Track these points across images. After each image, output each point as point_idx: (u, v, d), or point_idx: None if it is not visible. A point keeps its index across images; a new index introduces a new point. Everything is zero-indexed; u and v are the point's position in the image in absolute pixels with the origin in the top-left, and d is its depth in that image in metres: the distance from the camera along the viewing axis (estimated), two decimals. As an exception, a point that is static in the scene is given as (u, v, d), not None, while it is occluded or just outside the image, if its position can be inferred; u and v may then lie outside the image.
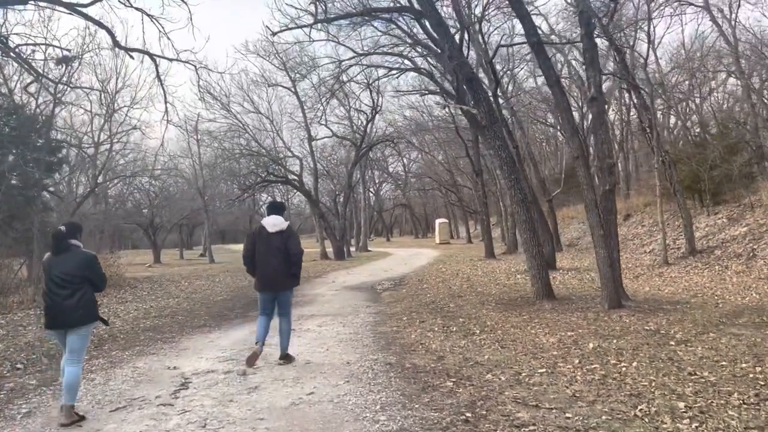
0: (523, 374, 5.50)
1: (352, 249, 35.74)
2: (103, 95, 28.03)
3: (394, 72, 18.70)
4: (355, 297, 12.58)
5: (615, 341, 6.74)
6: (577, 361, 5.86)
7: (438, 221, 51.64)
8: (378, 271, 19.64)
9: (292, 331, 6.92)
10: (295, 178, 30.62)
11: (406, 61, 18.51)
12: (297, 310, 10.57)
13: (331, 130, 31.75)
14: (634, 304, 9.33)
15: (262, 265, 6.28)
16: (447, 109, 27.51)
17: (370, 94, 27.89)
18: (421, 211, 78.95)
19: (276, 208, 6.53)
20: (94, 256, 4.83)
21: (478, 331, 7.75)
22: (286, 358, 6.37)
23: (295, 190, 53.35)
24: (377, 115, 31.17)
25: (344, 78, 20.07)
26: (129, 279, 22.02)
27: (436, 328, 8.10)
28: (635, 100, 17.92)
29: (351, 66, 17.76)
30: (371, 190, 58.35)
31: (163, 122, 15.39)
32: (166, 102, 14.82)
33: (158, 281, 21.09)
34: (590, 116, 10.06)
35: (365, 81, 21.85)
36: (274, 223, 6.30)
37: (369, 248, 40.58)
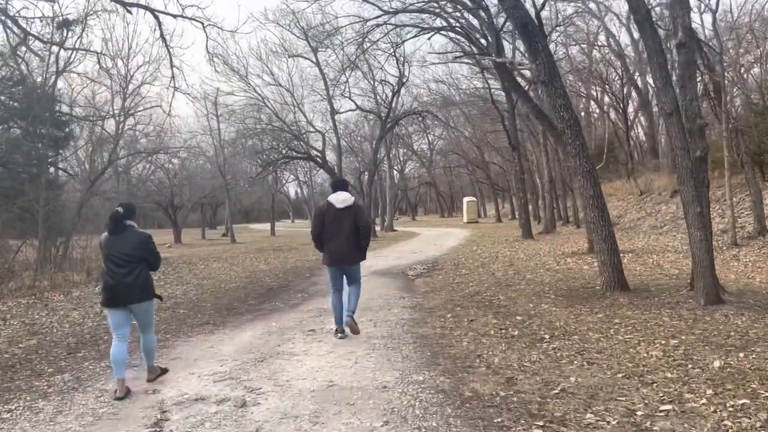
0: (640, 413, 3.80)
1: (377, 229, 34.09)
2: (113, 64, 26.61)
3: (424, 32, 16.74)
4: (385, 285, 10.96)
5: (743, 356, 4.99)
6: (710, 392, 4.13)
7: (466, 199, 49.70)
8: (407, 253, 17.98)
9: (312, 332, 5.30)
10: (318, 154, 29.01)
11: (437, 21, 16.60)
12: (320, 303, 9.01)
13: (356, 103, 30.01)
14: (735, 299, 7.52)
15: (331, 241, 6.43)
16: (481, 77, 25.54)
17: (396, 63, 26.04)
18: (446, 190, 76.96)
19: (341, 185, 6.70)
20: (149, 236, 5.01)
21: (547, 337, 6.05)
22: (351, 317, 6.47)
23: (317, 168, 51.89)
24: (403, 88, 29.30)
25: (367, 43, 18.26)
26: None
27: (492, 331, 6.42)
28: (700, 60, 15.74)
29: (378, 26, 15.88)
30: (396, 168, 56.54)
31: (170, 89, 13.81)
32: (172, 66, 13.32)
33: (174, 264, 19.77)
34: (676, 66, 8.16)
35: (390, 46, 19.96)
36: (341, 198, 6.43)
37: (395, 228, 38.93)
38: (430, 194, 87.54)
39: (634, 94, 36.80)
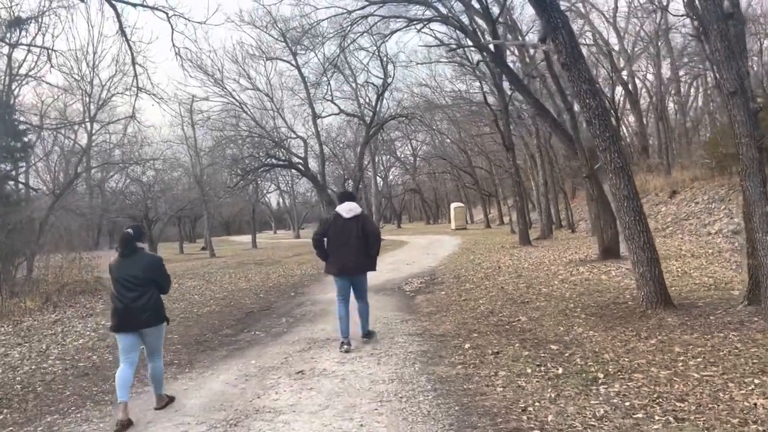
0: None
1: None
2: (77, 69, 25.06)
3: (413, 24, 15.43)
4: (382, 304, 9.59)
5: None
6: None
7: (453, 206, 48.45)
8: (399, 264, 16.62)
9: (302, 374, 3.94)
10: (300, 161, 27.61)
11: (427, 13, 15.34)
12: (308, 330, 7.64)
13: (339, 107, 28.64)
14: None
15: (338, 251, 6.46)
16: (468, 78, 24.37)
17: (381, 63, 24.77)
18: (430, 196, 75.85)
19: (348, 196, 6.82)
20: (159, 258, 4.98)
21: (602, 376, 4.74)
22: (368, 336, 6.73)
23: (299, 177, 50.40)
24: (387, 92, 28.03)
25: (350, 39, 16.94)
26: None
27: (529, 369, 5.09)
28: (705, 46, 14.67)
29: (364, 18, 14.54)
30: (380, 175, 55.28)
31: (132, 89, 12.36)
32: (134, 63, 11.85)
33: (147, 282, 18.22)
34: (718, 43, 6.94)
35: (374, 44, 18.68)
36: (349, 209, 6.51)
37: (382, 237, 37.51)
38: (414, 201, 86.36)
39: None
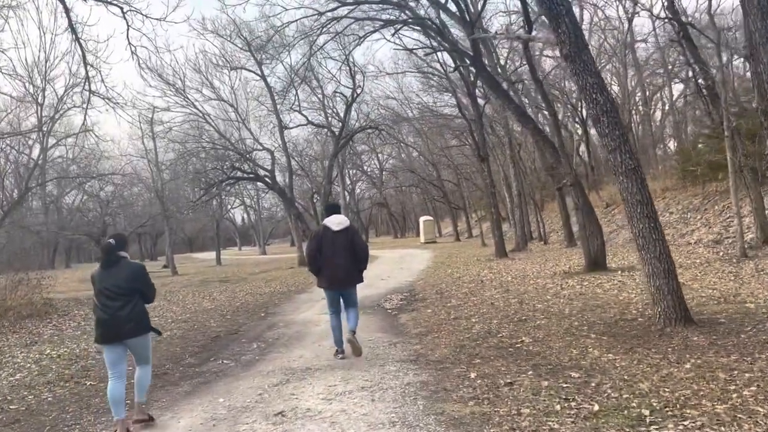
0: None
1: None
2: (29, 77, 23.57)
3: (386, 26, 14.69)
4: (363, 324, 8.66)
5: None
6: None
7: (422, 219, 47.88)
8: (374, 279, 15.70)
9: (281, 416, 3.00)
10: (267, 174, 26.53)
11: (402, 15, 14.61)
12: (284, 358, 6.70)
13: (306, 117, 27.72)
14: None
15: (328, 264, 6.44)
16: (443, 88, 23.76)
17: (350, 72, 24.00)
18: (398, 210, 75.21)
19: (335, 208, 6.88)
20: (142, 266, 4.92)
21: (647, 413, 3.94)
22: (353, 334, 6.49)
23: (265, 191, 49.05)
24: (354, 104, 27.24)
25: (320, 44, 16.13)
26: (66, 302, 17.80)
27: (557, 406, 4.25)
28: (687, 51, 14.38)
29: (336, 20, 13.71)
30: (347, 189, 54.36)
31: (84, 92, 11.22)
32: (86, 64, 10.76)
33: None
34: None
35: (345, 45, 17.91)
36: (338, 221, 6.53)
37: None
38: (381, 215, 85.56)
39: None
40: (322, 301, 12.62)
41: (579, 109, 33.31)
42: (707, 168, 20.09)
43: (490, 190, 20.27)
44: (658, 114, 39.94)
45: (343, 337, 6.53)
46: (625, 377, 4.83)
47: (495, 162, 29.26)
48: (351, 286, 6.61)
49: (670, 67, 30.89)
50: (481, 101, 20.49)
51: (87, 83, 11.02)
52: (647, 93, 34.62)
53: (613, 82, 35.17)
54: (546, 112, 20.60)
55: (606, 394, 4.43)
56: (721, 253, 14.37)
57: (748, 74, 20.16)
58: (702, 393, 4.25)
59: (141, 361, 4.89)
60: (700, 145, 19.06)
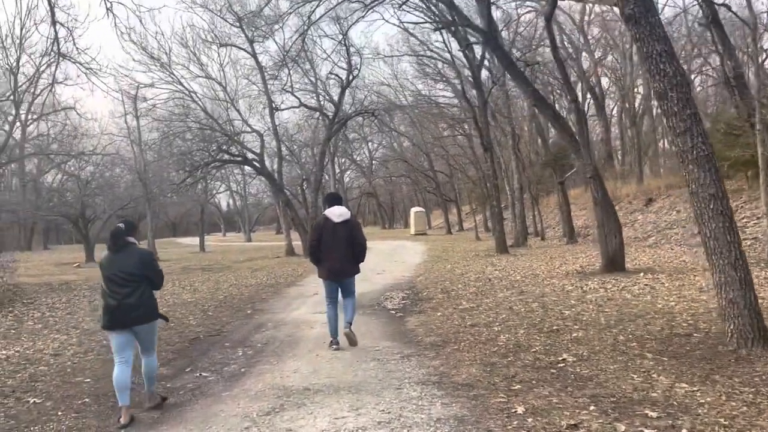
0: None
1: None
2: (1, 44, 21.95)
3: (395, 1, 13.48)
4: (366, 329, 7.55)
5: None
6: None
7: (413, 210, 46.78)
8: (369, 273, 14.46)
9: None
10: (255, 157, 25.21)
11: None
12: (271, 371, 5.53)
13: (299, 99, 26.31)
14: None
15: (329, 255, 6.47)
16: (444, 72, 22.54)
17: (347, 52, 22.71)
18: (386, 200, 73.98)
19: (337, 199, 6.81)
20: (151, 253, 5.01)
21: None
22: (349, 327, 6.54)
23: (252, 176, 47.57)
24: (348, 90, 25.89)
25: (317, 16, 14.87)
26: (36, 287, 16.50)
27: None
28: (715, 37, 13.32)
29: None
30: (336, 177, 53.01)
31: (52, 53, 9.89)
32: (54, 23, 9.42)
33: (76, 290, 15.67)
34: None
35: (343, 21, 16.65)
36: (339, 213, 6.52)
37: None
38: (369, 205, 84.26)
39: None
40: (314, 297, 11.48)
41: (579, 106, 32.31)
42: (720, 163, 19.15)
43: (493, 181, 19.14)
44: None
45: (338, 330, 6.51)
46: (721, 420, 3.73)
47: (498, 152, 28.14)
48: (349, 277, 6.66)
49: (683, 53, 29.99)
50: (486, 86, 19.34)
51: (56, 44, 9.66)
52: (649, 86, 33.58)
53: (616, 73, 34.23)
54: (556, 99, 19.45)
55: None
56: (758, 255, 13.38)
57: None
58: None
59: (147, 350, 4.73)
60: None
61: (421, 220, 45.23)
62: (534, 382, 4.84)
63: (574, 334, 6.51)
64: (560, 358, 5.52)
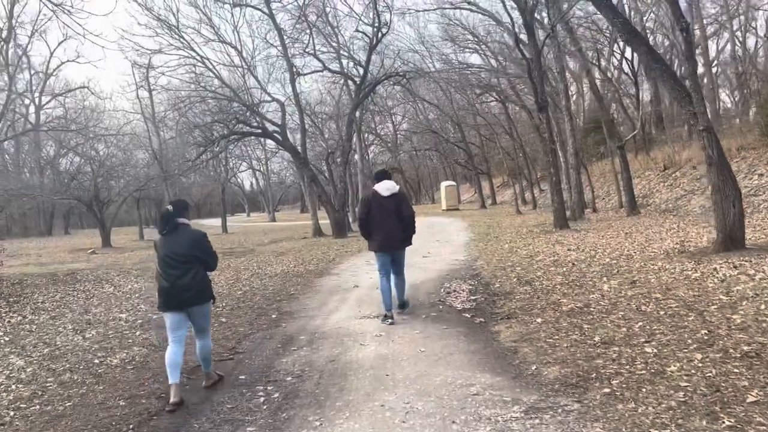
0: None
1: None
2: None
3: None
4: (434, 347, 5.18)
5: None
6: None
7: (444, 184, 44.17)
8: (414, 256, 12.04)
9: None
10: (277, 129, 22.84)
11: None
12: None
13: (323, 63, 23.71)
14: None
15: (378, 228, 6.67)
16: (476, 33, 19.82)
17: (375, 6, 20.06)
18: (411, 176, 71.30)
19: (385, 174, 7.05)
20: (203, 234, 4.79)
21: None
22: (403, 306, 6.95)
23: (274, 151, 45.33)
24: (379, 45, 23.28)
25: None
26: (38, 279, 14.47)
27: None
28: None
29: None
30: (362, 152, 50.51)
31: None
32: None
33: (81, 280, 13.71)
34: None
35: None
36: (387, 187, 6.73)
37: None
38: (395, 181, 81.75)
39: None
40: (354, 290, 9.16)
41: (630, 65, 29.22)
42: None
43: (550, 146, 16.48)
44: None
45: (392, 302, 6.64)
46: None
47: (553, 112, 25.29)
48: (401, 248, 6.81)
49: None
50: (541, 35, 16.62)
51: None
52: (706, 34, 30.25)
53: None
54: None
55: None
56: None
57: None
58: None
59: (200, 332, 4.68)
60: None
61: (453, 195, 42.66)
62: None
63: (746, 359, 4.04)
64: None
